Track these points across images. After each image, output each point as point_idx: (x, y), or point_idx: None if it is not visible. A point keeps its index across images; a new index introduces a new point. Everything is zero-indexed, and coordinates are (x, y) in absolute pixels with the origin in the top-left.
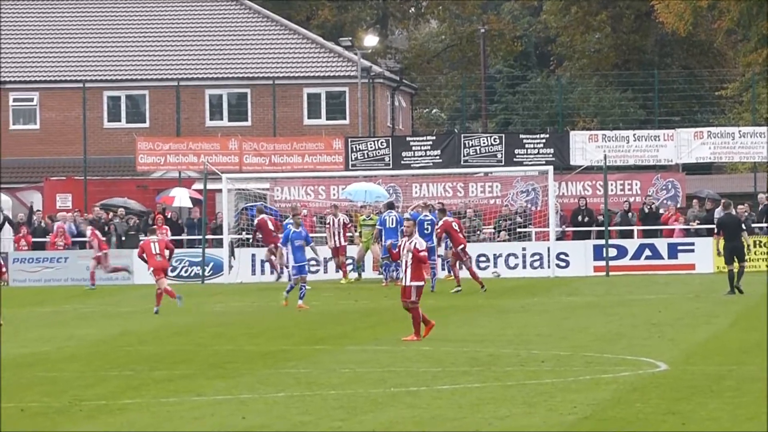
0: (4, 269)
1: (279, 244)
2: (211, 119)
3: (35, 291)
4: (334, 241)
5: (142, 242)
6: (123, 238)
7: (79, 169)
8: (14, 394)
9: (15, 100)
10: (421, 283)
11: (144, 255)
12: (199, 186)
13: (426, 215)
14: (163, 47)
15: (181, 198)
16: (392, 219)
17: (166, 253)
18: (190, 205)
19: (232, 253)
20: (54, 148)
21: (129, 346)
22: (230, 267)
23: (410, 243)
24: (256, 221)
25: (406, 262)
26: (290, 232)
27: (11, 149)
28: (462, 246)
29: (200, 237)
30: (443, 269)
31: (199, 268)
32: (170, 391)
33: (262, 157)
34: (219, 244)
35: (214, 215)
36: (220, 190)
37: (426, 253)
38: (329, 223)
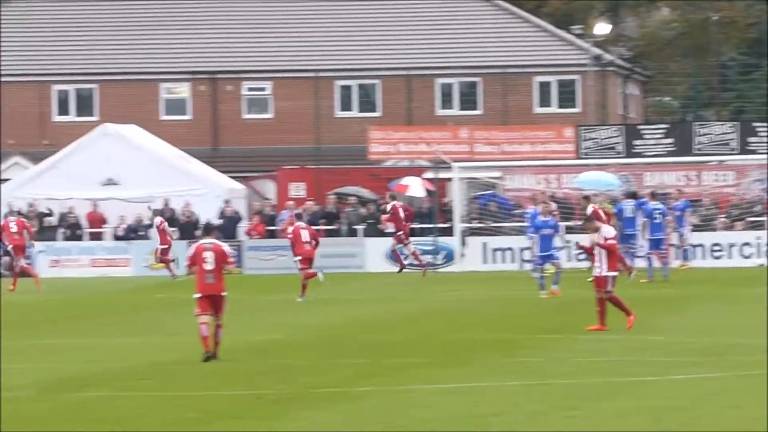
0: (229, 258)
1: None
2: (441, 108)
3: (268, 279)
4: None
5: (292, 228)
6: (355, 227)
7: (312, 158)
8: (249, 382)
9: (249, 89)
10: (616, 273)
11: (294, 241)
12: (429, 175)
13: (655, 204)
14: (394, 36)
15: (414, 187)
16: (631, 208)
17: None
18: (424, 194)
19: (463, 242)
20: (287, 137)
21: (360, 333)
22: (462, 255)
23: (599, 235)
24: (389, 207)
25: (600, 253)
26: (538, 220)
27: (245, 138)
28: None
29: (432, 225)
30: (680, 258)
31: (431, 256)
32: (403, 380)
33: (492, 145)
34: (450, 232)
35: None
36: (450, 179)
37: (614, 242)
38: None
